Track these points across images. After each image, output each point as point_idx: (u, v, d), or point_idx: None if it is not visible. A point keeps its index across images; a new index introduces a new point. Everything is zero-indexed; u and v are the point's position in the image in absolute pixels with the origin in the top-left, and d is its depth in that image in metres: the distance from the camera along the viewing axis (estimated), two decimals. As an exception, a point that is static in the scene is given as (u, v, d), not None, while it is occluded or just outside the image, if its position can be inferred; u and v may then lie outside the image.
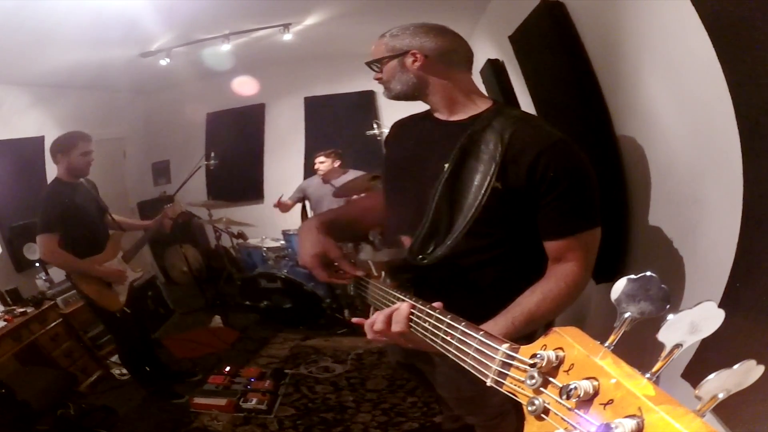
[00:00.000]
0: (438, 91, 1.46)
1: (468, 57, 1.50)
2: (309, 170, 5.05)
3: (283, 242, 4.86)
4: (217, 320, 4.53)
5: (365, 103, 5.46)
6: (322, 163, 4.53)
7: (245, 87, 5.42)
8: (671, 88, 1.46)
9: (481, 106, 1.45)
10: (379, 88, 4.77)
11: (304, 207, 4.78)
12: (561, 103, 2.20)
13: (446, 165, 1.38)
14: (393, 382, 3.31)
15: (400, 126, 1.70)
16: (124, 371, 3.54)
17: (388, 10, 3.55)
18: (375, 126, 4.91)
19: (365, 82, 5.32)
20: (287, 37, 4.04)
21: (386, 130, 4.76)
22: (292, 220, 4.89)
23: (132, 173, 5.59)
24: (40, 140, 4.09)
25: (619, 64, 1.74)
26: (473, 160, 1.35)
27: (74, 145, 2.97)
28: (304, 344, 4.07)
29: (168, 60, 4.14)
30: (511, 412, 1.63)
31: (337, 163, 4.55)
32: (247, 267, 5.04)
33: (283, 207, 4.80)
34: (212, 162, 5.37)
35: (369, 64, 1.52)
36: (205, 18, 3.51)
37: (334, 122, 5.55)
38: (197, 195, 5.41)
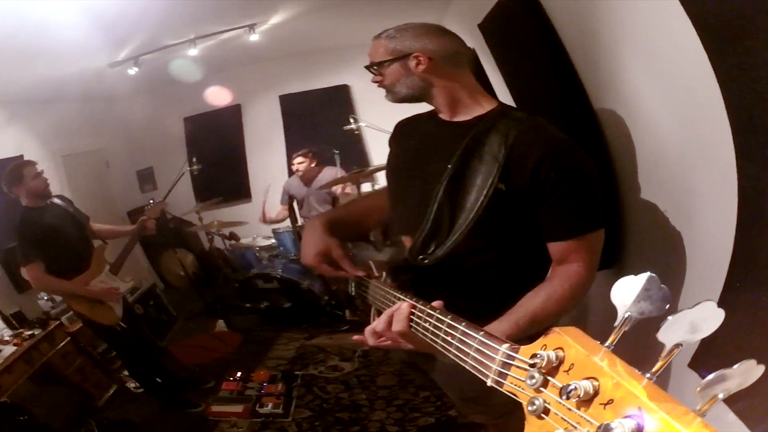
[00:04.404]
0: (442, 93, 1.46)
1: (469, 57, 1.49)
2: (291, 167, 5.12)
3: (274, 241, 4.91)
4: (221, 324, 4.55)
5: (340, 98, 5.53)
6: (301, 163, 4.70)
7: (218, 97, 5.49)
8: (653, 76, 1.46)
9: (486, 107, 1.45)
10: (352, 82, 4.75)
11: (291, 205, 4.89)
12: (539, 93, 2.19)
13: (449, 165, 1.38)
14: (402, 377, 3.31)
15: (403, 126, 1.70)
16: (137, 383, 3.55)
17: (353, 3, 3.55)
18: (351, 120, 4.96)
19: (338, 76, 5.47)
20: (254, 37, 4.03)
21: (363, 124, 4.90)
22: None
23: (118, 183, 5.59)
24: (20, 158, 3.97)
25: (597, 53, 1.74)
26: (477, 161, 1.35)
27: (20, 174, 2.94)
28: (308, 344, 4.08)
29: (136, 69, 4.12)
30: (517, 411, 1.61)
31: (313, 163, 4.72)
32: (242, 267, 5.07)
33: (276, 218, 4.95)
34: (195, 167, 5.39)
35: (368, 67, 1.51)
36: (169, 23, 3.49)
37: (311, 118, 5.59)
38: (185, 200, 5.43)
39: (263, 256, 4.75)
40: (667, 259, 1.53)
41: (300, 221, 4.80)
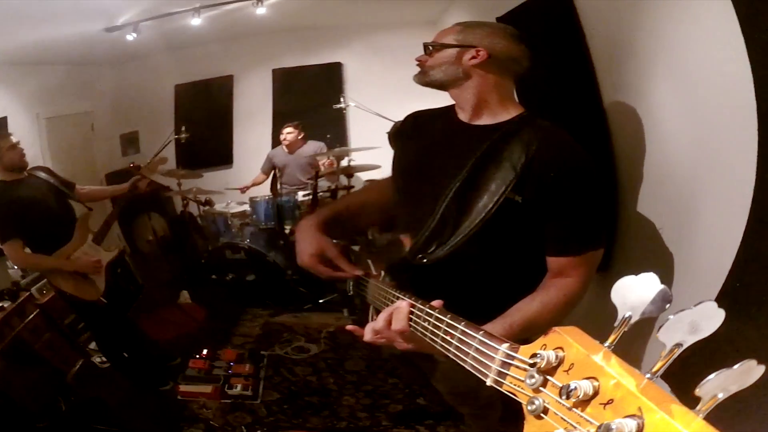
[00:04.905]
0: (474, 90, 1.43)
1: (524, 69, 1.47)
2: (276, 140, 5.28)
3: (247, 207, 4.91)
4: (185, 295, 4.49)
5: (332, 75, 5.54)
6: (290, 133, 4.97)
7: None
8: (682, 97, 1.47)
9: (512, 112, 1.43)
10: (346, 60, 4.77)
11: (275, 175, 5.05)
12: (551, 97, 2.17)
13: (465, 167, 1.36)
14: (371, 362, 3.34)
15: (414, 121, 1.65)
16: (105, 358, 3.48)
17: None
18: (341, 100, 5.13)
19: (333, 54, 5.46)
20: (260, 10, 3.98)
21: (352, 104, 5.08)
22: (261, 186, 5.13)
23: (101, 146, 5.49)
24: (3, 120, 3.96)
25: (626, 64, 1.73)
26: (493, 166, 1.33)
27: None
28: (273, 321, 4.07)
29: (135, 35, 4.04)
30: (498, 401, 1.65)
31: (301, 135, 4.99)
32: (212, 235, 5.03)
33: (253, 182, 5.19)
34: (183, 135, 5.35)
35: (426, 45, 1.47)
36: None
37: (302, 94, 5.59)
38: (167, 165, 5.36)
39: (234, 223, 4.76)
40: (660, 260, 1.56)
41: (279, 187, 4.91)
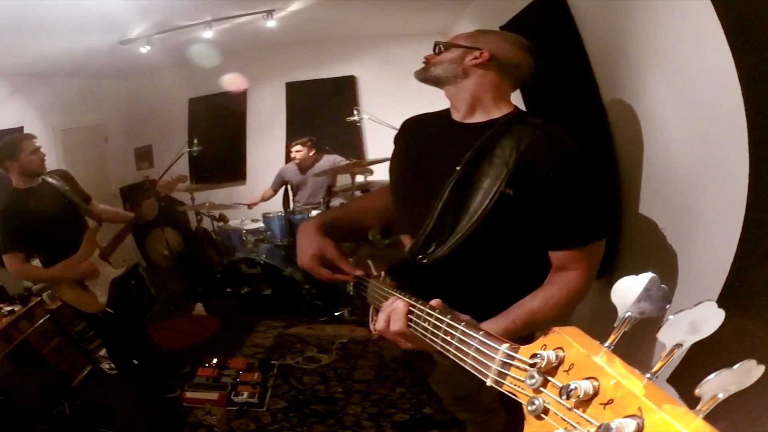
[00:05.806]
0: (471, 88, 1.45)
1: (524, 76, 1.49)
2: (290, 154, 5.18)
3: (262, 224, 4.86)
4: (200, 308, 4.52)
5: (346, 88, 5.54)
6: (299, 152, 4.79)
7: (234, 83, 5.48)
8: (678, 98, 1.47)
9: (504, 110, 1.45)
10: (359, 73, 4.74)
11: (286, 191, 4.96)
12: (554, 101, 2.19)
13: (458, 166, 1.37)
14: (380, 372, 3.33)
15: (411, 125, 1.68)
16: (114, 365, 3.49)
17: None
18: (355, 112, 5.03)
19: (346, 66, 5.47)
20: (271, 23, 4.00)
21: (366, 116, 4.96)
22: (273, 202, 5.05)
23: (114, 158, 5.54)
24: (20, 131, 3.99)
25: (621, 65, 1.74)
26: (486, 164, 1.35)
27: (20, 147, 2.78)
28: (287, 333, 4.06)
29: (148, 47, 4.07)
30: (501, 409, 1.65)
31: (312, 152, 4.81)
32: (227, 250, 5.03)
33: (262, 197, 5.07)
34: (195, 149, 5.32)
35: (437, 43, 1.50)
36: (186, 4, 3.48)
37: (315, 107, 5.59)
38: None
39: (249, 239, 4.72)
40: (662, 264, 1.56)
41: (292, 206, 4.86)
